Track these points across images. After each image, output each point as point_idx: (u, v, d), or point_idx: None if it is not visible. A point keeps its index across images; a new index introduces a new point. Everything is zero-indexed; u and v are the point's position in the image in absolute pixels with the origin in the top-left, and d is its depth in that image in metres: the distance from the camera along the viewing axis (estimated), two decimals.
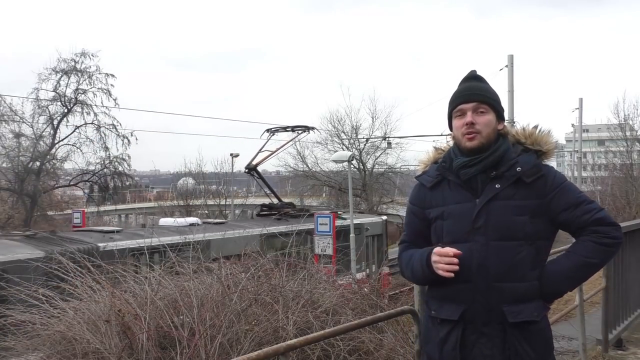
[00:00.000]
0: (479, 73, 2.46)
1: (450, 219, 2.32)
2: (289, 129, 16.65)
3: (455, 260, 2.21)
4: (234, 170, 34.87)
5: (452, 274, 2.22)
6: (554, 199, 2.25)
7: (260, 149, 16.53)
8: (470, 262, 2.22)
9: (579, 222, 2.25)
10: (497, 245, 2.21)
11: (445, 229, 2.33)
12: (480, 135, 2.29)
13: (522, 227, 2.22)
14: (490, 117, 2.32)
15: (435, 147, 2.59)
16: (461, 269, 2.23)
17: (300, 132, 16.69)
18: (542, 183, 2.26)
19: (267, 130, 16.69)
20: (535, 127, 2.40)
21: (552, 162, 2.53)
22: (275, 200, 17.08)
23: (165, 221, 14.76)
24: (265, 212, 16.04)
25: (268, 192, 16.85)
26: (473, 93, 2.35)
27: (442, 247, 2.27)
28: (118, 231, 11.72)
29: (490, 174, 2.28)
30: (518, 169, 2.26)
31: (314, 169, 31.66)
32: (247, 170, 16.27)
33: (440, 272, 2.24)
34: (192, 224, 13.23)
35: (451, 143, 2.45)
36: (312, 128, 17.16)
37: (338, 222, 14.56)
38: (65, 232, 12.17)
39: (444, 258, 2.23)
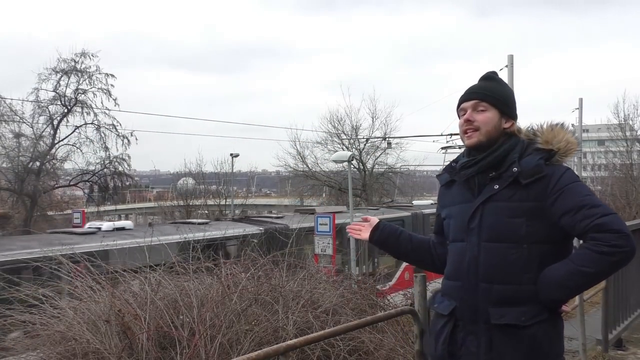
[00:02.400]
0: (495, 74, 2.41)
1: (453, 218, 2.35)
2: (457, 147, 23.01)
3: (358, 227, 2.67)
4: (233, 170, 34.89)
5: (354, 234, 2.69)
6: (555, 202, 2.12)
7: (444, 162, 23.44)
8: (463, 261, 2.25)
9: (579, 228, 2.08)
10: (488, 246, 2.19)
11: (450, 228, 2.37)
12: (479, 133, 2.27)
13: (517, 230, 2.15)
14: (490, 115, 2.28)
15: None
16: (456, 267, 2.29)
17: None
18: (542, 185, 2.14)
19: (442, 148, 23.14)
20: (559, 124, 2.29)
21: None
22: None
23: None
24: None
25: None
26: (474, 92, 2.34)
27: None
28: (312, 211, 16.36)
29: (489, 174, 2.24)
30: (514, 169, 2.18)
31: (314, 169, 31.61)
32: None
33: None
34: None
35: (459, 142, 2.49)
36: None
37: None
38: (258, 216, 16.69)
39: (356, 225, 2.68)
